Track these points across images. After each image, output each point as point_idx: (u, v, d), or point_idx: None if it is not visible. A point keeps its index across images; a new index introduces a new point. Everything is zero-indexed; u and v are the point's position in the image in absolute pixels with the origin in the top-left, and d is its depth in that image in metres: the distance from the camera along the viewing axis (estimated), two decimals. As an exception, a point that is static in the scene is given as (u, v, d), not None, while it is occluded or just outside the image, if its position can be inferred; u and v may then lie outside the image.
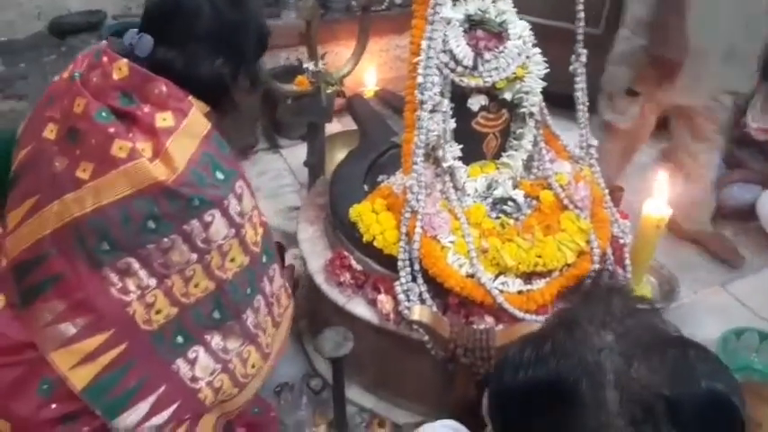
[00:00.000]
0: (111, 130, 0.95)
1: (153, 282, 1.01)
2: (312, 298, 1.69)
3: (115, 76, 0.99)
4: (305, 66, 1.70)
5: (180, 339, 1.05)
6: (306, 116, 1.83)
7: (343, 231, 1.54)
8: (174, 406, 1.05)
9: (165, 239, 0.98)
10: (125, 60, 1.00)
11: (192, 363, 1.07)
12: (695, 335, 1.74)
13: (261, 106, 2.34)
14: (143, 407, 1.02)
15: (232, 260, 1.07)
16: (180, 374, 1.06)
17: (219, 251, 1.04)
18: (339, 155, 1.93)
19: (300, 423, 1.50)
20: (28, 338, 0.99)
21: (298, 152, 2.40)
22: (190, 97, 1.03)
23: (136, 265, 0.99)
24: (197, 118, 1.01)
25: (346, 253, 1.49)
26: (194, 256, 1.02)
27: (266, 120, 2.46)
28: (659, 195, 1.65)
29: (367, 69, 2.35)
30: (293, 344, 1.72)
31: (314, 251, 1.60)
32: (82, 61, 1.04)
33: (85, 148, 0.96)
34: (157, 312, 1.02)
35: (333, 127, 2.21)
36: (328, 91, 1.70)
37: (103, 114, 0.96)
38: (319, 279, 1.52)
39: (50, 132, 1.00)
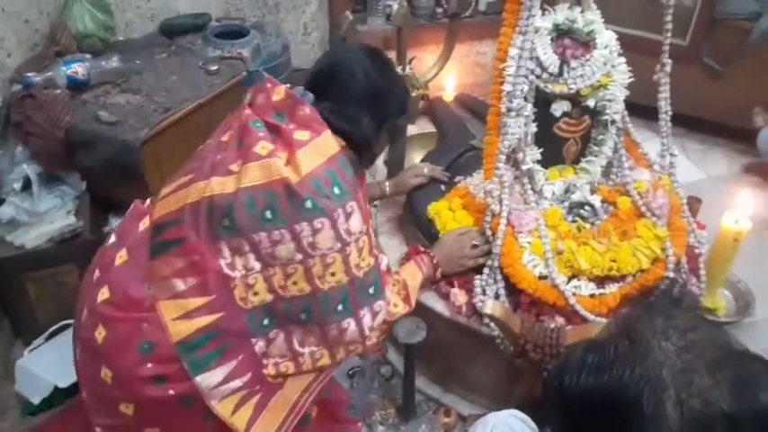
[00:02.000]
0: (260, 134, 1.13)
1: (258, 266, 1.12)
2: (387, 289, 1.77)
3: (274, 98, 1.18)
4: (393, 69, 1.78)
5: (266, 322, 1.15)
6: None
7: (419, 227, 1.61)
8: (247, 376, 1.15)
9: (277, 232, 1.09)
10: (284, 87, 1.18)
11: (270, 342, 1.16)
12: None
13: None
14: (222, 370, 1.12)
15: (332, 274, 1.15)
16: (255, 348, 1.15)
17: (323, 261, 1.13)
18: (416, 155, 2.00)
19: (371, 405, 1.58)
20: (141, 295, 1.12)
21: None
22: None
23: (247, 247, 1.11)
24: (328, 139, 1.16)
25: (422, 248, 1.56)
26: (299, 257, 1.12)
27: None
28: (740, 209, 1.64)
29: (447, 74, 2.41)
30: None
31: (391, 246, 1.68)
32: (255, 89, 1.23)
33: (242, 150, 1.13)
34: (255, 294, 1.13)
35: (410, 129, 2.29)
36: (414, 94, 1.78)
37: (258, 125, 1.14)
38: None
39: (227, 137, 1.18)
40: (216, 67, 1.87)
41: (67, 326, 1.64)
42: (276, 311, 1.15)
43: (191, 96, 1.75)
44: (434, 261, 1.44)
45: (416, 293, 1.37)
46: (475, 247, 1.44)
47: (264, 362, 1.17)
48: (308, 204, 1.10)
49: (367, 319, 1.23)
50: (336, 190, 1.13)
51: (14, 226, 1.60)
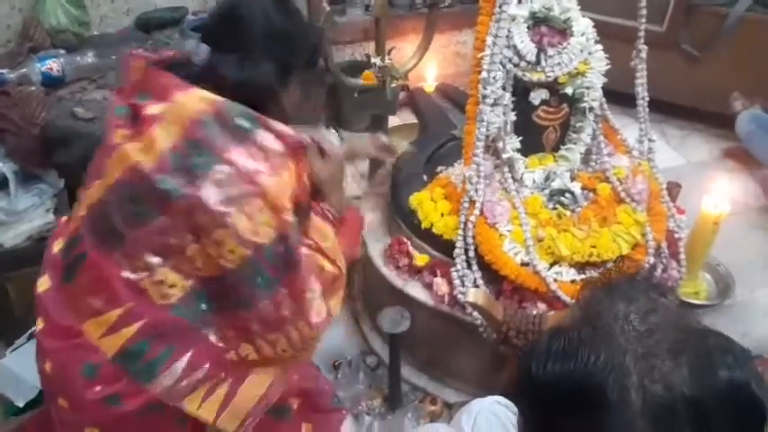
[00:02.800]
0: (119, 122, 1.05)
1: (157, 260, 1.03)
2: (370, 280, 1.77)
3: (134, 77, 1.08)
4: (372, 61, 1.78)
5: (204, 306, 1.06)
6: (371, 109, 1.91)
7: (402, 218, 1.61)
8: (206, 366, 1.07)
9: (154, 223, 1.01)
10: (144, 61, 1.08)
11: (220, 328, 1.08)
12: (749, 333, 1.75)
13: (325, 101, 2.44)
14: (178, 366, 1.05)
15: (231, 251, 1.03)
16: (210, 338, 1.07)
17: (210, 240, 1.02)
18: (398, 146, 2.00)
19: (357, 396, 1.58)
20: (68, 321, 1.06)
21: (358, 144, 2.48)
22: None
23: (137, 247, 1.03)
24: (185, 103, 1.02)
25: (405, 239, 1.57)
26: (189, 238, 1.02)
27: (330, 113, 2.56)
28: (719, 193, 1.66)
29: (428, 64, 2.41)
30: (350, 323, 1.81)
31: (374, 237, 1.68)
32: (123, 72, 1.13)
33: (105, 146, 1.07)
34: (171, 287, 1.04)
35: (392, 120, 2.29)
36: (393, 85, 1.78)
37: (120, 111, 1.06)
38: (378, 263, 1.60)
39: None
40: (194, 62, 1.85)
41: (49, 325, 1.63)
42: (210, 293, 1.06)
43: (168, 91, 1.73)
44: (328, 212, 1.24)
45: (338, 253, 1.21)
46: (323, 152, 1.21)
47: (223, 345, 1.09)
48: (165, 186, 0.99)
49: (300, 283, 1.10)
50: (198, 159, 0.99)
51: (-8, 225, 1.58)
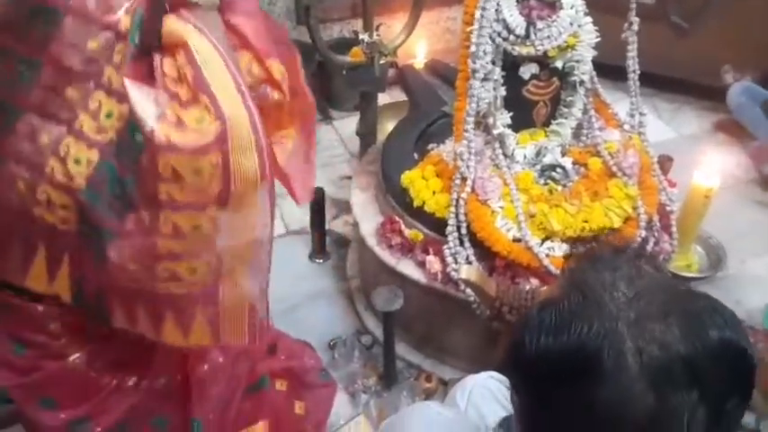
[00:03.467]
0: None
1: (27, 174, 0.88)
2: (363, 259, 1.77)
3: None
4: (361, 37, 1.75)
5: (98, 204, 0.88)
6: (360, 87, 1.89)
7: (393, 197, 1.61)
8: None
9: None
10: None
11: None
12: (741, 302, 1.77)
13: (314, 79, 2.42)
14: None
15: (108, 115, 0.87)
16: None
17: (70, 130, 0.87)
18: (389, 125, 1.99)
19: (352, 374, 1.59)
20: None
21: (349, 123, 2.47)
22: None
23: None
24: None
25: (397, 218, 1.56)
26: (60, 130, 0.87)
27: (319, 92, 2.54)
28: (709, 166, 1.67)
29: (417, 41, 2.38)
30: (345, 303, 1.81)
31: (366, 216, 1.68)
32: None
33: None
34: (48, 203, 0.88)
35: (382, 98, 2.27)
36: (381, 62, 1.76)
37: None
38: (371, 242, 1.60)
39: None
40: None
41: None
42: (87, 206, 0.89)
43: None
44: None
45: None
46: None
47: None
48: None
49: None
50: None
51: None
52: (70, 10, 0.85)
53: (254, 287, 1.01)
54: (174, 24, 0.89)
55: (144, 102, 0.85)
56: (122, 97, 0.86)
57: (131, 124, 0.86)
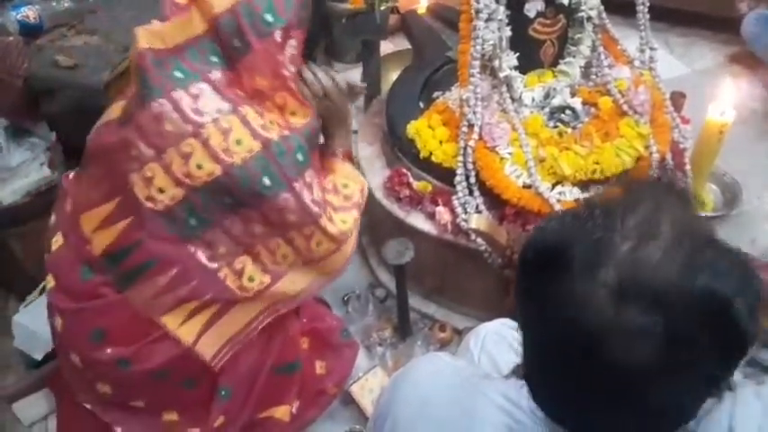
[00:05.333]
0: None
1: (150, 152, 1.01)
2: (373, 213, 1.76)
3: None
4: (359, -17, 1.70)
5: (193, 222, 1.05)
6: (361, 35, 1.84)
7: (400, 149, 1.58)
8: (193, 283, 1.07)
9: (155, 103, 1.00)
10: None
11: (210, 245, 1.07)
12: (757, 241, 1.74)
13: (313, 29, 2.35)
14: (159, 280, 1.05)
15: (238, 142, 1.01)
16: (197, 256, 1.06)
17: (217, 127, 1.00)
18: (393, 75, 1.94)
19: (367, 327, 1.61)
20: (80, 282, 1.08)
21: (352, 76, 2.41)
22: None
23: (134, 133, 1.02)
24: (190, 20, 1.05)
25: (404, 170, 1.54)
26: (188, 128, 1.00)
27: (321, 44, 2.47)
28: (723, 100, 1.61)
29: (419, -15, 2.30)
30: (358, 256, 1.81)
31: (373, 169, 1.66)
32: None
33: None
34: (160, 191, 1.02)
35: (385, 47, 2.21)
36: (382, 8, 1.70)
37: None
38: (379, 195, 1.58)
39: None
40: (173, -1, 1.78)
41: (58, 278, 1.64)
42: (196, 207, 1.03)
43: (150, 32, 1.66)
44: (338, 153, 1.26)
45: (356, 176, 1.26)
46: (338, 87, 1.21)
47: (215, 265, 1.08)
48: (177, 74, 1.01)
49: (306, 194, 1.08)
50: (236, 42, 1.03)
51: (-13, 183, 1.57)
52: None
53: (266, 317, 1.19)
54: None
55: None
56: None
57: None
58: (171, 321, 1.07)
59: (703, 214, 1.75)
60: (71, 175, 1.19)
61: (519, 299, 0.62)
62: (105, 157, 1.07)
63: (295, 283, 1.16)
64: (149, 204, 1.03)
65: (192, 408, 1.19)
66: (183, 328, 1.08)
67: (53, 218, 1.18)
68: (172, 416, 1.19)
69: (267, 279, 1.12)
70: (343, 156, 1.25)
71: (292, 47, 1.06)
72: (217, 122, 1.00)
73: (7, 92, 1.56)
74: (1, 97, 1.57)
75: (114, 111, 1.11)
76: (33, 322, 1.56)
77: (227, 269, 1.09)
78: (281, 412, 1.30)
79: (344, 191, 1.19)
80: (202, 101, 1.01)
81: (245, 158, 1.01)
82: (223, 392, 1.18)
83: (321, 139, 1.24)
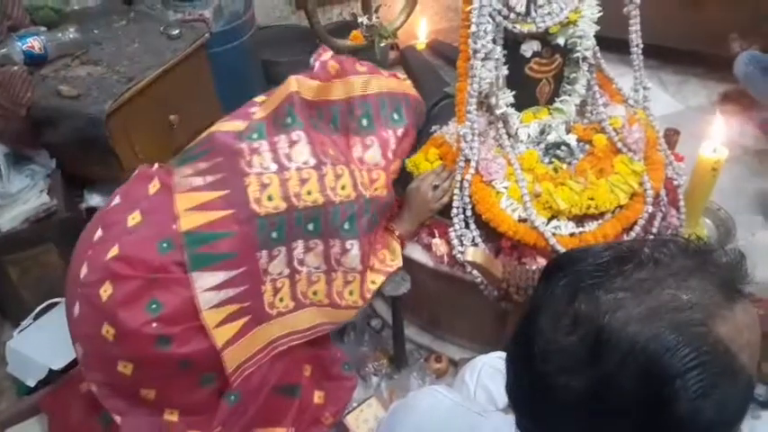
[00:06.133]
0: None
1: (274, 167, 1.21)
2: (370, 244, 1.77)
3: None
4: (359, 20, 1.73)
5: (275, 235, 1.20)
6: (360, 69, 1.87)
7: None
8: (243, 288, 1.18)
9: (294, 133, 1.25)
10: None
11: (272, 258, 1.21)
12: (751, 276, 1.75)
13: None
14: (221, 275, 1.15)
15: (342, 188, 1.24)
16: (259, 262, 1.19)
17: (334, 170, 1.24)
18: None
19: (363, 358, 1.60)
20: (152, 256, 1.13)
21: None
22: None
23: (266, 146, 1.21)
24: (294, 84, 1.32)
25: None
26: (313, 161, 1.22)
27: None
28: (715, 136, 1.64)
29: (418, 21, 2.35)
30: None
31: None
32: None
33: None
34: (269, 198, 1.18)
35: (385, 80, 2.25)
36: (382, 44, 1.74)
37: None
38: (377, 226, 1.60)
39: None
40: (177, 31, 1.81)
41: (54, 305, 1.64)
42: (287, 222, 1.20)
43: (154, 64, 1.69)
44: (397, 235, 1.44)
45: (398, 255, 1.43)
46: (436, 188, 1.44)
47: (264, 278, 1.21)
48: (312, 121, 1.28)
49: (366, 249, 1.28)
50: (365, 121, 1.34)
51: (-13, 209, 1.57)
52: None
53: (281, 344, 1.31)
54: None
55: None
56: None
57: None
58: (210, 318, 1.14)
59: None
60: (156, 165, 1.32)
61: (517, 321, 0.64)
62: (227, 156, 1.22)
63: (309, 319, 1.30)
64: (255, 206, 1.18)
65: (194, 410, 1.22)
66: (218, 331, 1.15)
67: (118, 199, 1.26)
68: (172, 416, 1.21)
69: (292, 305, 1.26)
70: (397, 238, 1.43)
71: (407, 142, 1.41)
72: (334, 167, 1.25)
73: (10, 120, 1.58)
74: (4, 125, 1.59)
75: (236, 125, 1.30)
76: (27, 348, 1.56)
77: (270, 285, 1.22)
78: None
79: (388, 262, 1.37)
80: (329, 147, 1.28)
81: (343, 201, 1.25)
82: (232, 397, 1.22)
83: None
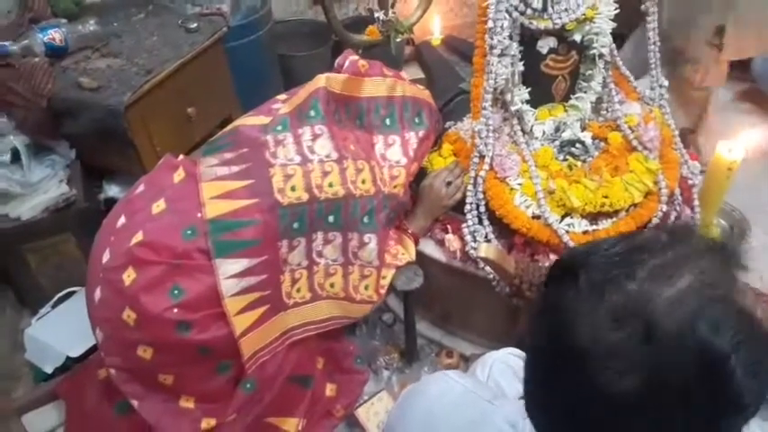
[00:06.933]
0: None
1: (298, 158, 1.23)
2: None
3: None
4: (376, 15, 1.74)
5: (296, 225, 1.22)
6: (376, 65, 1.88)
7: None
8: (263, 276, 1.20)
9: (317, 126, 1.27)
10: None
11: (292, 248, 1.23)
12: (765, 276, 1.73)
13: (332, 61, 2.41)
14: (244, 262, 1.17)
15: (363, 182, 1.28)
16: (280, 252, 1.22)
17: (355, 165, 1.27)
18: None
19: (374, 351, 1.61)
20: (176, 243, 1.15)
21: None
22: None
23: (291, 138, 1.25)
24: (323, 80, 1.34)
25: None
26: (335, 155, 1.25)
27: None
28: (732, 138, 1.63)
29: (433, 17, 2.36)
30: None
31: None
32: None
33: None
34: (292, 189, 1.22)
35: (400, 76, 2.25)
36: (398, 39, 1.75)
37: None
38: (390, 221, 1.60)
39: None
40: (195, 25, 1.83)
41: (72, 293, 1.67)
42: (308, 215, 1.23)
43: (172, 56, 1.71)
44: (410, 232, 1.45)
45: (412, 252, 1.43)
46: (449, 184, 1.46)
47: (284, 268, 1.24)
48: (336, 117, 1.32)
49: (383, 243, 1.31)
50: (388, 121, 1.40)
51: (8, 198, 1.60)
52: None
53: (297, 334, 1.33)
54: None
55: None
56: None
57: None
58: (232, 306, 1.16)
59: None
60: (180, 156, 1.36)
61: (531, 318, 0.63)
62: (252, 147, 1.25)
63: (325, 311, 1.32)
64: (278, 196, 1.20)
65: (210, 398, 1.24)
66: (239, 318, 1.17)
67: (142, 187, 1.29)
68: (188, 403, 1.23)
69: (308, 296, 1.29)
70: (410, 235, 1.45)
71: (426, 146, 1.46)
72: (355, 161, 1.28)
73: (32, 111, 1.61)
74: (25, 116, 1.62)
75: (260, 119, 1.33)
76: (45, 335, 1.58)
77: (288, 275, 1.25)
78: (289, 424, 1.35)
79: (399, 257, 1.37)
80: (351, 143, 1.31)
81: (363, 195, 1.28)
82: (248, 385, 1.24)
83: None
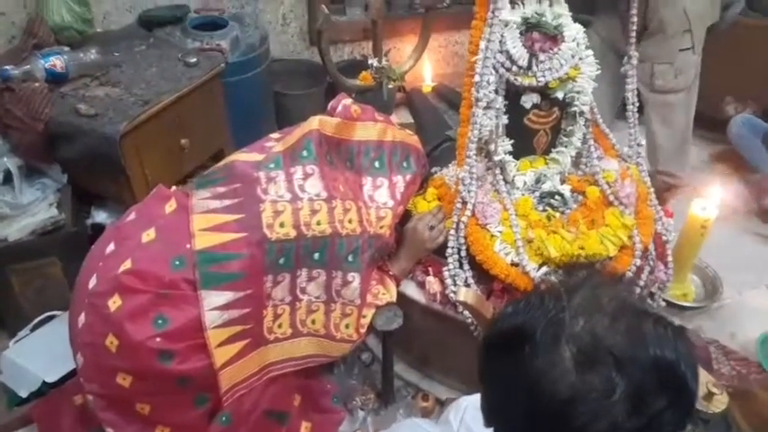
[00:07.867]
0: None
1: (288, 195, 1.27)
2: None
3: None
4: (370, 62, 1.81)
5: (282, 261, 1.25)
6: (368, 108, 1.94)
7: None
8: (247, 310, 1.22)
9: (309, 167, 1.31)
10: None
11: (276, 284, 1.25)
12: (736, 335, 1.78)
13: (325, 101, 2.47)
14: (228, 295, 1.19)
15: (350, 221, 1.31)
16: (264, 286, 1.24)
17: (343, 205, 1.30)
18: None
19: (351, 391, 1.62)
20: (164, 272, 1.17)
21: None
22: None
23: (282, 176, 1.28)
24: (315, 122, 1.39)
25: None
26: (324, 194, 1.28)
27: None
28: (707, 196, 1.70)
29: (425, 65, 2.44)
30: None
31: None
32: None
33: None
34: (281, 225, 1.24)
35: (391, 119, 2.32)
36: (390, 86, 1.81)
37: None
38: (373, 260, 1.63)
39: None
40: (195, 59, 1.88)
41: (52, 317, 1.67)
42: (295, 250, 1.25)
43: (169, 89, 1.76)
44: (391, 273, 1.48)
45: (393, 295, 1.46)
46: (432, 228, 1.50)
47: (266, 303, 1.25)
48: (328, 158, 1.36)
49: (365, 283, 1.33)
50: (377, 164, 1.44)
51: (-3, 219, 1.62)
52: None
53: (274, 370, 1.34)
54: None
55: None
56: None
57: None
58: (215, 337, 1.18)
59: (685, 304, 1.81)
60: (173, 188, 1.39)
61: (486, 384, 0.68)
62: (245, 182, 1.28)
63: (305, 348, 1.34)
64: (267, 231, 1.23)
65: (185, 429, 1.24)
66: (219, 350, 1.19)
67: (133, 215, 1.31)
68: None
69: (289, 332, 1.31)
70: (392, 276, 1.47)
71: (412, 189, 1.50)
72: (343, 201, 1.32)
73: (28, 134, 1.64)
74: (20, 138, 1.65)
75: (254, 156, 1.36)
76: (22, 358, 1.57)
77: (271, 309, 1.26)
78: None
79: (380, 296, 1.40)
80: (340, 184, 1.35)
81: (349, 234, 1.31)
82: (224, 418, 1.25)
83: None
